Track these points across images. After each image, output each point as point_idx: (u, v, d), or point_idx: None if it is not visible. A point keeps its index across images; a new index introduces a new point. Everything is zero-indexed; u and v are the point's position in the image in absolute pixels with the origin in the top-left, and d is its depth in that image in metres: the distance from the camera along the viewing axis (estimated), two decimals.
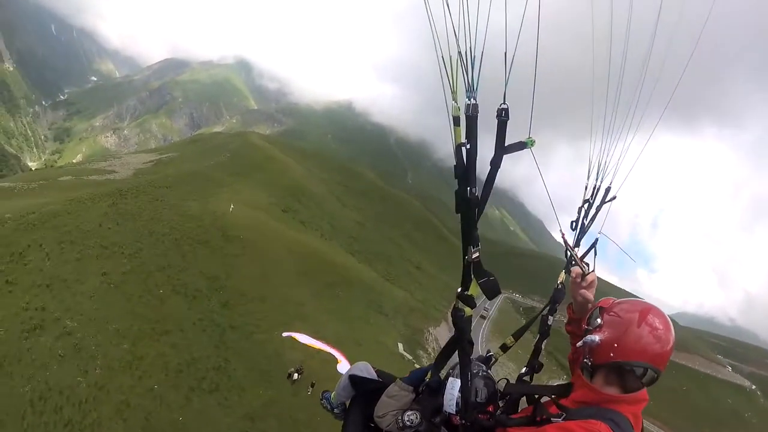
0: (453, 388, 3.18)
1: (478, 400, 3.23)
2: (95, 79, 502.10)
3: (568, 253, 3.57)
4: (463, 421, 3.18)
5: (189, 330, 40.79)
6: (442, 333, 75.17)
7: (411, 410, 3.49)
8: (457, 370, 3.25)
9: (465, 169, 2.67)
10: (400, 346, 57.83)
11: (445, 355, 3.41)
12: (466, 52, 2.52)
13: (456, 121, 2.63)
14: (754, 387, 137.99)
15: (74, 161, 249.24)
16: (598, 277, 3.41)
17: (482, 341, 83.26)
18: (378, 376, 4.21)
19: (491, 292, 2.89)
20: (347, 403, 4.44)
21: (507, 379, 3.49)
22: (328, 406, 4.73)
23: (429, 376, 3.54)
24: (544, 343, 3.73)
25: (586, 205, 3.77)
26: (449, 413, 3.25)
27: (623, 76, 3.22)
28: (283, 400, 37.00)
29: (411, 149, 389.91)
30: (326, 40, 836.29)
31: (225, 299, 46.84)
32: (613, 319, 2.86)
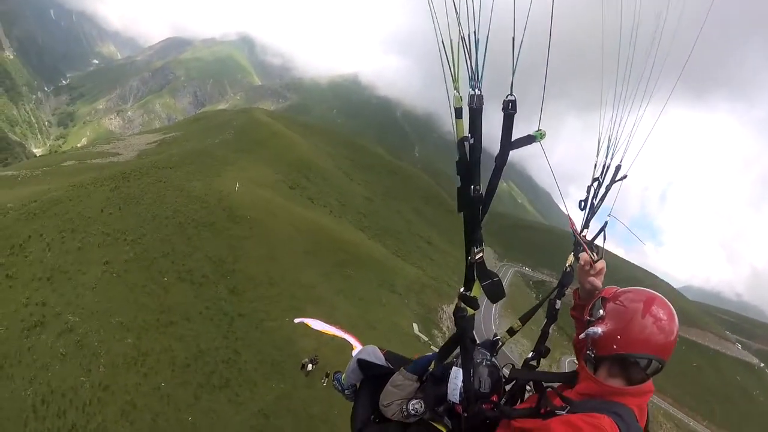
0: (456, 377, 3.09)
1: (482, 390, 3.15)
2: (97, 62, 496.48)
3: (580, 238, 3.37)
4: (465, 415, 3.08)
5: (196, 320, 38.97)
6: None
7: (415, 399, 3.43)
8: (461, 359, 3.13)
9: (468, 166, 2.53)
10: (415, 326, 56.09)
11: (447, 350, 3.29)
12: (469, 36, 2.32)
13: (458, 113, 2.44)
14: (762, 365, 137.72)
15: (78, 145, 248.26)
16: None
17: (495, 316, 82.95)
18: (386, 358, 4.18)
19: (494, 296, 2.77)
20: (358, 385, 4.36)
21: (512, 364, 3.47)
22: (339, 387, 4.71)
23: (432, 365, 3.43)
24: (551, 327, 3.59)
25: (595, 184, 3.52)
26: (453, 402, 3.16)
27: (634, 47, 2.93)
28: (297, 394, 35.27)
29: (418, 122, 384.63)
30: (330, 12, 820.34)
31: (233, 285, 44.89)
32: (615, 310, 2.74)
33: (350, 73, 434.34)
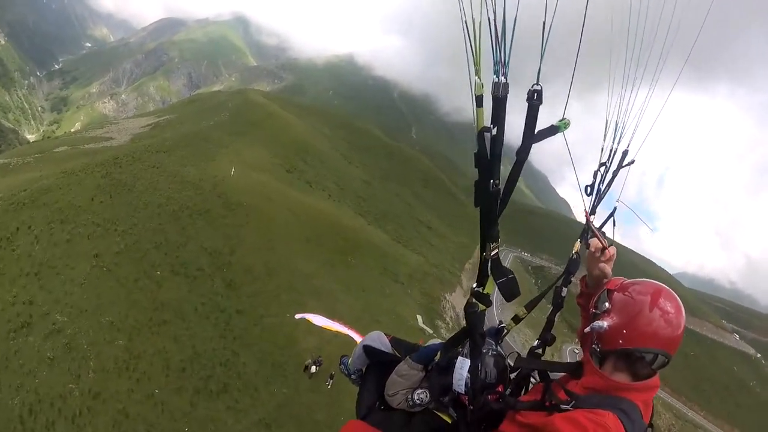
0: (462, 367, 3.06)
1: (487, 380, 3.11)
2: (89, 45, 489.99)
3: (587, 224, 3.28)
4: (471, 407, 3.07)
5: (191, 318, 36.85)
6: (458, 300, 72.04)
7: (420, 389, 3.38)
8: (467, 349, 3.12)
9: (489, 159, 2.49)
10: (420, 318, 54.53)
11: (454, 342, 3.25)
12: (496, 16, 2.20)
13: (479, 101, 2.36)
14: (759, 355, 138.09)
15: (72, 130, 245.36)
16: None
17: (497, 303, 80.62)
18: (392, 344, 4.03)
19: (509, 294, 2.79)
20: (364, 370, 4.17)
21: (518, 353, 3.42)
22: (346, 372, 4.48)
23: (438, 356, 3.39)
24: (557, 315, 3.50)
25: (602, 169, 3.36)
26: (458, 393, 3.16)
27: (644, 29, 2.85)
28: (301, 399, 33.46)
29: (415, 103, 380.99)
30: None
31: (229, 278, 42.67)
32: (621, 303, 2.68)
33: (346, 54, 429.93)
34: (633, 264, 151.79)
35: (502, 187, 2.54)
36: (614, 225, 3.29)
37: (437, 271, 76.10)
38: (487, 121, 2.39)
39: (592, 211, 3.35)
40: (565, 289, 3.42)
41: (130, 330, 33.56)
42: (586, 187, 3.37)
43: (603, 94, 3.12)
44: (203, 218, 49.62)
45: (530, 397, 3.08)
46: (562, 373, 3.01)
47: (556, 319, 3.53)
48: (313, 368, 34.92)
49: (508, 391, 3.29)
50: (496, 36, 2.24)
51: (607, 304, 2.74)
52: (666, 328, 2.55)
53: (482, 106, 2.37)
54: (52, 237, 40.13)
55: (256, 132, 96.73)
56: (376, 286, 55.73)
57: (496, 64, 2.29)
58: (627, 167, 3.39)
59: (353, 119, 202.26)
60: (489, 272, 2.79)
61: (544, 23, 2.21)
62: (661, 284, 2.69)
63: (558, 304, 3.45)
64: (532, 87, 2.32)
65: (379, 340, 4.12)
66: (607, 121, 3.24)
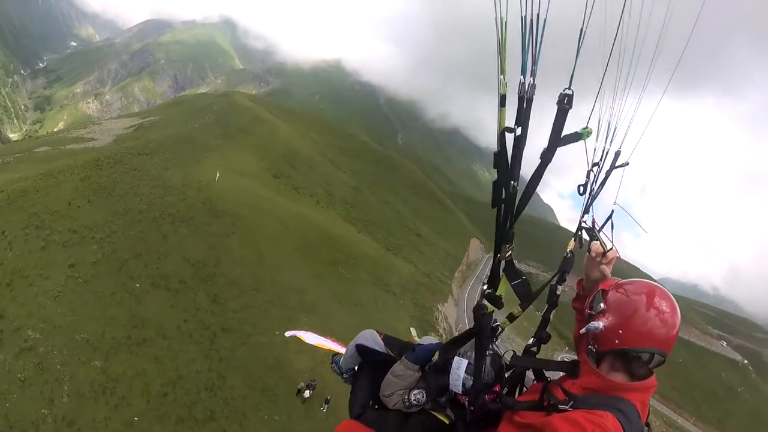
0: (459, 368, 3.15)
1: (486, 380, 3.13)
2: (75, 44, 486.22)
3: (581, 224, 3.36)
4: (472, 408, 3.09)
5: (173, 336, 34.24)
6: (450, 310, 70.60)
7: (417, 389, 3.44)
8: (464, 349, 3.23)
9: (510, 160, 2.55)
10: (413, 331, 51.90)
11: (458, 343, 3.29)
12: (531, 16, 2.25)
13: (502, 100, 2.41)
14: (746, 362, 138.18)
15: (55, 130, 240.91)
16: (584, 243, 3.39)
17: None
18: (385, 343, 4.08)
19: (524, 296, 2.97)
20: (356, 368, 4.30)
21: (513, 351, 3.43)
22: (338, 371, 4.62)
23: (436, 356, 3.45)
24: (552, 313, 3.50)
25: (595, 169, 3.32)
26: (455, 393, 3.23)
27: (635, 38, 2.74)
28: (295, 427, 31.17)
29: (401, 110, 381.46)
30: None
31: (214, 292, 40.05)
32: (616, 304, 2.71)
33: (334, 59, 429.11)
34: (619, 271, 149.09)
35: (520, 189, 2.59)
36: (612, 227, 3.21)
37: (429, 281, 74.27)
38: (509, 121, 2.37)
39: (586, 210, 3.32)
40: (560, 288, 3.36)
41: (107, 349, 31.03)
42: (579, 186, 3.31)
43: (591, 98, 2.94)
44: (186, 226, 47.07)
45: (528, 397, 3.07)
46: (558, 372, 3.05)
47: (551, 317, 3.47)
48: (307, 392, 32.65)
49: (505, 390, 3.28)
50: (533, 36, 2.23)
51: (602, 305, 2.75)
52: (661, 328, 2.55)
53: (505, 106, 2.36)
54: (26, 244, 37.68)
55: (243, 136, 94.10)
56: (368, 298, 53.41)
57: (524, 63, 2.27)
58: (621, 168, 3.33)
59: (341, 124, 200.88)
60: (501, 274, 2.94)
61: (581, 30, 2.25)
62: (656, 284, 2.70)
63: (552, 302, 3.41)
64: (563, 91, 2.35)
65: (373, 339, 4.10)
66: (599, 119, 3.10)
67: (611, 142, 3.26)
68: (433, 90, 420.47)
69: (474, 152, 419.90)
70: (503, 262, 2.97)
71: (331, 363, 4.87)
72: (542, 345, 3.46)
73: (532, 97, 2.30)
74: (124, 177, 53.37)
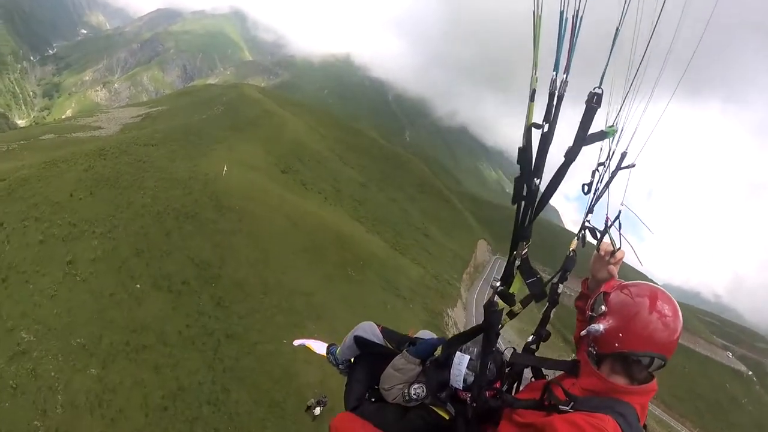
0: (461, 363, 3.17)
1: (488, 377, 3.16)
2: (85, 31, 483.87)
3: (584, 223, 3.37)
4: (474, 405, 3.10)
5: (174, 342, 32.24)
6: (459, 314, 68.60)
7: (417, 383, 3.45)
8: (466, 345, 3.26)
9: (536, 156, 2.55)
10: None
11: (464, 338, 3.33)
12: (570, 14, 2.29)
13: (533, 95, 2.44)
14: (750, 373, 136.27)
15: (63, 117, 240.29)
16: (587, 243, 3.41)
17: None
18: (383, 335, 4.15)
19: (538, 294, 3.01)
20: (352, 360, 4.38)
21: (514, 348, 3.45)
22: (334, 362, 4.73)
23: (438, 351, 3.48)
24: (552, 311, 3.51)
25: (600, 169, 3.32)
26: (455, 388, 3.25)
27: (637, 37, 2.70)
28: None
29: (410, 106, 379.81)
30: None
31: (219, 295, 37.94)
32: (617, 306, 2.71)
33: (343, 53, 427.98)
34: (624, 276, 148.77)
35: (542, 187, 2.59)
36: (620, 227, 3.15)
37: (438, 284, 72.38)
38: (536, 117, 2.37)
39: (590, 210, 3.32)
40: (561, 286, 3.36)
41: (105, 356, 29.13)
42: (584, 185, 3.31)
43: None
44: (191, 222, 45.01)
45: (527, 395, 3.08)
46: (556, 371, 3.04)
47: (551, 315, 3.46)
48: (317, 409, 30.67)
49: (505, 387, 3.30)
50: (572, 32, 2.25)
51: (603, 307, 2.73)
52: (663, 331, 2.52)
53: (533, 101, 2.37)
54: (24, 237, 35.83)
55: (251, 129, 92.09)
56: (378, 302, 51.39)
57: (557, 60, 2.28)
58: (628, 169, 3.28)
59: (349, 120, 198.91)
60: (515, 272, 2.97)
61: (617, 29, 2.28)
62: (658, 286, 2.68)
63: (553, 300, 3.39)
64: (593, 90, 2.37)
65: (371, 331, 4.14)
66: (606, 120, 3.04)
67: (617, 143, 3.18)
68: (442, 88, 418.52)
69: (480, 151, 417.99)
70: (519, 259, 2.93)
71: (327, 354, 4.90)
72: (541, 342, 3.46)
73: (563, 94, 2.30)
74: (128, 168, 51.45)
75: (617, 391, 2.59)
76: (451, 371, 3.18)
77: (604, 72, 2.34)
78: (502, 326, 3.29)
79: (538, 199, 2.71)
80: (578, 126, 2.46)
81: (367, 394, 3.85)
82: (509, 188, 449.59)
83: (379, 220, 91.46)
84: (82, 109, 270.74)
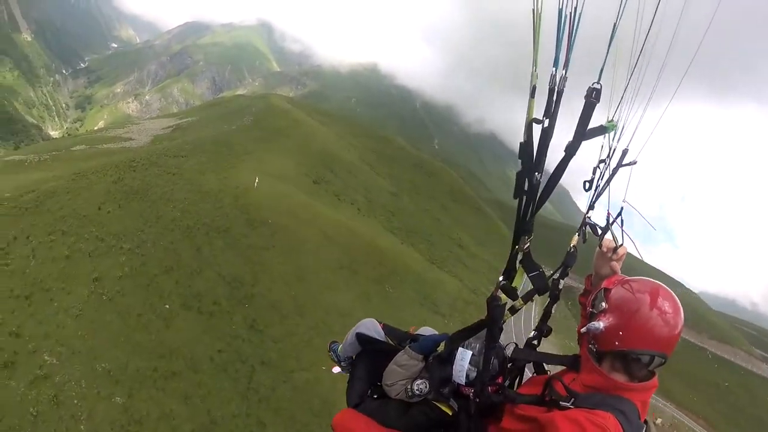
0: (463, 359, 3.18)
1: (490, 372, 3.19)
2: (115, 45, 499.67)
3: (585, 219, 3.43)
4: (477, 400, 3.11)
5: (205, 370, 29.98)
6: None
7: (420, 379, 3.48)
8: (468, 341, 3.28)
9: (536, 151, 2.60)
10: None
11: (466, 334, 3.33)
12: (568, 11, 2.34)
13: (533, 91, 2.50)
14: None
15: (95, 128, 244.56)
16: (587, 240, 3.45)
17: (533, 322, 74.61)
18: (385, 332, 4.19)
19: (541, 287, 3.02)
20: (354, 357, 4.40)
21: (515, 344, 3.48)
22: (336, 359, 4.73)
23: (441, 347, 3.50)
24: (553, 307, 3.59)
25: (601, 166, 3.39)
26: (458, 384, 3.27)
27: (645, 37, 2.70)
28: None
29: (438, 114, 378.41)
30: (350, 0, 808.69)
31: (252, 317, 35.60)
32: (618, 303, 2.68)
33: (370, 62, 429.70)
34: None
35: (543, 181, 2.61)
36: (622, 224, 3.19)
37: (476, 298, 69.20)
38: (536, 113, 2.42)
39: (591, 206, 3.36)
40: (562, 282, 3.34)
41: (131, 383, 26.99)
42: (585, 182, 3.34)
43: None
44: (222, 238, 43.01)
45: (529, 390, 3.10)
46: (560, 368, 3.08)
47: (553, 310, 3.51)
48: None
49: (507, 382, 3.32)
50: (570, 29, 2.30)
51: (603, 304, 2.71)
52: (663, 329, 2.50)
53: (534, 97, 2.42)
54: (51, 251, 34.10)
55: (281, 139, 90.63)
56: (417, 320, 48.06)
57: (557, 55, 2.33)
58: (629, 167, 3.32)
59: (378, 128, 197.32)
60: (518, 266, 2.98)
61: (614, 25, 2.33)
62: (659, 283, 2.64)
63: (554, 296, 3.39)
64: (592, 85, 2.40)
65: (374, 328, 4.19)
66: (608, 117, 3.05)
67: (619, 140, 3.19)
68: (470, 94, 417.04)
69: (509, 157, 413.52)
70: (521, 253, 2.95)
71: (329, 351, 4.88)
72: (542, 338, 3.47)
73: (563, 90, 2.33)
74: (158, 180, 49.91)
75: (618, 388, 2.57)
76: (454, 367, 3.16)
77: (602, 68, 2.39)
78: (504, 321, 3.25)
79: (539, 193, 2.71)
80: (578, 121, 2.47)
81: (369, 391, 3.83)
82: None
83: (413, 230, 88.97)
84: (114, 121, 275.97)
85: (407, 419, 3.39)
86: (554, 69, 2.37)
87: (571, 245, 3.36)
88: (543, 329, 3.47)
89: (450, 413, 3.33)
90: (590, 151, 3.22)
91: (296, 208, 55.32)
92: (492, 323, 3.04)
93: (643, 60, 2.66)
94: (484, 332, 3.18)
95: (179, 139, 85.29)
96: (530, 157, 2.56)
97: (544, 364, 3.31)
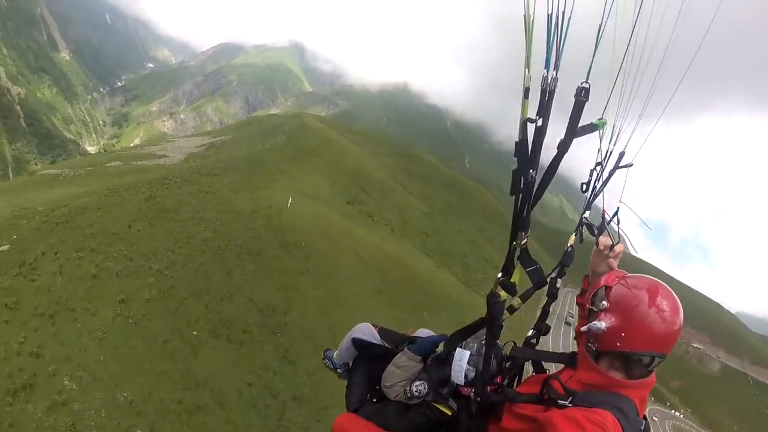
0: (461, 359, 3.15)
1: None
2: (152, 65, 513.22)
3: (581, 219, 3.40)
4: (479, 399, 3.07)
5: (233, 405, 27.84)
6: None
7: (419, 380, 3.41)
8: (466, 341, 3.26)
9: (530, 149, 2.65)
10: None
11: (466, 333, 3.29)
12: (556, 15, 2.39)
13: (527, 92, 2.57)
14: None
15: (131, 145, 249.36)
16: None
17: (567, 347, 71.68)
18: (381, 335, 4.06)
19: (538, 282, 3.03)
20: (350, 363, 4.23)
21: (514, 342, 3.45)
22: (331, 366, 4.54)
23: (440, 347, 3.47)
24: (551, 306, 3.52)
25: (598, 168, 3.37)
26: (457, 384, 3.23)
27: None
28: None
29: (468, 132, 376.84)
30: (380, 20, 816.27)
31: (285, 347, 33.51)
32: (620, 303, 2.62)
33: (400, 82, 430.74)
34: (700, 308, 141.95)
35: (538, 178, 2.67)
36: (618, 223, 3.21)
37: (515, 325, 66.37)
38: (530, 112, 2.49)
39: (587, 207, 3.41)
40: (559, 281, 3.38)
41: (154, 415, 25.10)
42: (582, 184, 3.36)
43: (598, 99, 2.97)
44: (254, 261, 41.09)
45: (527, 389, 3.10)
46: (558, 366, 3.09)
47: (550, 309, 3.49)
48: None
49: (506, 381, 3.33)
50: (557, 33, 2.37)
51: (605, 303, 2.66)
52: (664, 330, 2.48)
53: (528, 98, 2.49)
54: (78, 269, 32.87)
55: (313, 158, 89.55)
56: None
57: (547, 58, 2.40)
58: (625, 169, 3.37)
59: (409, 147, 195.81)
60: (516, 262, 2.98)
61: (599, 26, 2.37)
62: (659, 281, 2.62)
63: (552, 294, 3.42)
64: (581, 84, 2.48)
65: (369, 332, 4.05)
66: (604, 119, 3.12)
67: (615, 143, 3.23)
68: (500, 112, 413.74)
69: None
70: (518, 249, 2.98)
71: (323, 358, 4.71)
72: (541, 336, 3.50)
73: (554, 90, 2.41)
74: (190, 199, 48.65)
75: (616, 385, 2.55)
76: (452, 367, 3.14)
77: (589, 68, 2.46)
78: (504, 319, 3.26)
79: (535, 190, 2.75)
80: (569, 119, 2.55)
81: (368, 395, 3.73)
82: (572, 214, 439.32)
83: (447, 252, 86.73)
84: (150, 138, 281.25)
85: (407, 421, 3.32)
86: (545, 71, 2.41)
87: (569, 245, 3.33)
88: (541, 328, 3.46)
89: (449, 413, 3.27)
90: (590, 152, 3.27)
91: (331, 230, 53.45)
92: (492, 320, 3.00)
93: (641, 63, 2.66)
94: (481, 332, 3.16)
95: (212, 158, 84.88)
96: (525, 154, 2.59)
97: (544, 363, 3.23)
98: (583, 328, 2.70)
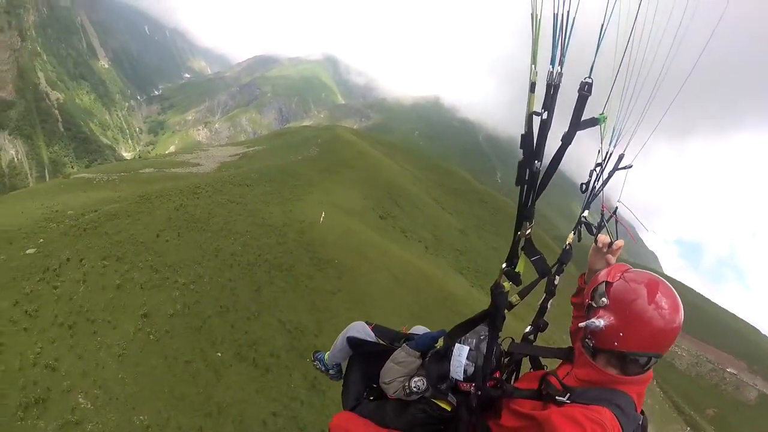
0: (460, 354, 3.14)
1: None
2: (188, 75, 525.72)
3: (580, 218, 3.53)
4: (479, 393, 3.09)
5: None
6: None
7: (418, 376, 3.43)
8: (465, 336, 3.21)
9: (535, 141, 2.65)
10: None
11: (468, 327, 3.28)
12: (562, 13, 2.43)
13: (533, 87, 2.59)
14: None
15: (166, 152, 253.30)
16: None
17: None
18: (376, 333, 4.17)
19: (542, 271, 3.17)
20: (343, 364, 4.45)
21: (512, 338, 3.51)
22: (322, 368, 4.71)
23: (440, 343, 3.46)
24: (549, 302, 3.64)
25: (598, 169, 3.52)
26: (456, 380, 3.21)
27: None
28: None
29: (500, 146, 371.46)
30: (413, 34, 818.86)
31: (314, 374, 30.17)
32: (620, 301, 2.63)
33: (433, 95, 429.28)
34: (736, 332, 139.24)
35: (543, 169, 2.69)
36: (616, 222, 3.29)
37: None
38: (536, 105, 2.53)
39: (586, 206, 3.54)
40: (557, 278, 3.49)
41: None
42: (581, 185, 3.43)
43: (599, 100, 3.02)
44: (284, 278, 39.05)
45: (526, 384, 3.12)
46: (556, 363, 3.08)
47: (549, 306, 3.63)
48: None
49: (504, 376, 3.38)
50: (560, 30, 2.41)
51: (604, 299, 2.65)
52: (663, 330, 2.46)
53: (534, 92, 2.53)
54: (102, 278, 31.24)
55: (346, 171, 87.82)
56: None
57: (553, 54, 2.44)
58: (624, 170, 3.42)
59: (441, 161, 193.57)
60: (520, 252, 3.01)
61: (602, 25, 2.43)
62: (659, 278, 2.60)
63: (550, 291, 3.56)
64: (584, 79, 2.53)
65: (363, 331, 4.24)
66: (603, 124, 3.19)
67: (615, 145, 3.27)
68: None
69: (571, 190, 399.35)
70: (523, 239, 2.97)
71: (313, 360, 4.89)
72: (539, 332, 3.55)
73: (559, 85, 2.45)
74: (220, 209, 47.15)
75: (614, 381, 2.54)
76: (451, 363, 3.11)
77: (593, 65, 2.49)
78: (507, 312, 3.24)
79: (539, 181, 2.73)
80: (572, 113, 2.56)
81: (365, 394, 3.86)
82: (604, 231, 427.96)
83: (481, 271, 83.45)
84: (185, 146, 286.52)
85: (406, 417, 3.30)
86: (551, 67, 2.41)
87: (567, 243, 3.47)
88: (539, 324, 3.57)
89: (449, 409, 3.23)
90: (590, 154, 3.24)
91: (364, 247, 51.18)
92: (495, 311, 3.01)
93: (644, 66, 2.71)
94: (480, 328, 3.14)
95: (245, 167, 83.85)
96: (530, 147, 2.59)
97: (541, 359, 3.19)
98: (581, 325, 2.69)
